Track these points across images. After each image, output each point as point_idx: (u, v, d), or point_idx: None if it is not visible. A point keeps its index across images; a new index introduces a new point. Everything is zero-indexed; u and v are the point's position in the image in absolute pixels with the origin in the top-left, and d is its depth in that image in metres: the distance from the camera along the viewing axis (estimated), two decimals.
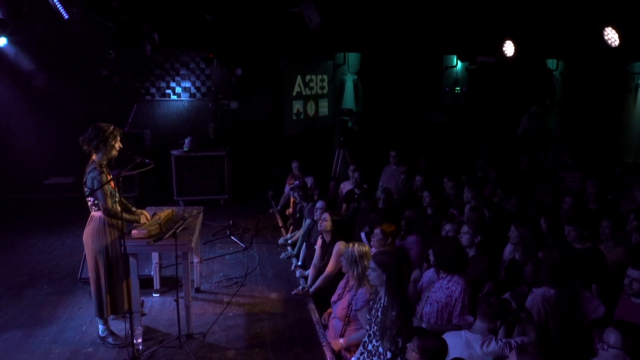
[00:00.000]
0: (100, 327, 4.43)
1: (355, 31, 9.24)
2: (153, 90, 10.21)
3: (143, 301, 4.85)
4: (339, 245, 5.12)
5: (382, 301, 3.60)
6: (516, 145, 9.94)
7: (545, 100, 10.72)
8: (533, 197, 6.90)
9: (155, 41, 7.39)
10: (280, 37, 9.01)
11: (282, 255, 6.61)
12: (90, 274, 4.35)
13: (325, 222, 5.32)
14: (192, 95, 10.38)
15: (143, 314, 4.93)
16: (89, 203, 4.29)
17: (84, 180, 4.22)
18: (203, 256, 6.53)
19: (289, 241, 7.01)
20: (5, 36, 6.60)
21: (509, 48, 7.11)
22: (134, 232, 4.25)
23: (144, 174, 9.08)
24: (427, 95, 10.90)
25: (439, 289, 4.06)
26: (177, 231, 4.19)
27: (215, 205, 8.61)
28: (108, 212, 4.14)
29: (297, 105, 10.03)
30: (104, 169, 4.22)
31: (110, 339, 4.39)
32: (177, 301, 4.23)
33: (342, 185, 8.19)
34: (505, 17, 6.46)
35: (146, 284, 5.36)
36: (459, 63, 10.83)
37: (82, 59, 8.93)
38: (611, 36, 5.35)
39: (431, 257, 4.27)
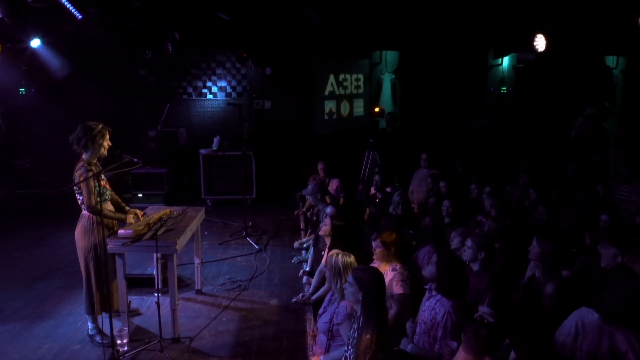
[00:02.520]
0: (90, 325, 4.45)
1: (391, 29, 8.88)
2: (190, 90, 10.37)
3: (130, 301, 4.81)
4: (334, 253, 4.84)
5: (359, 321, 3.31)
6: (568, 150, 9.15)
7: (603, 101, 9.78)
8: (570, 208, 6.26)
9: (176, 40, 7.44)
10: (311, 36, 8.81)
11: (294, 259, 6.42)
12: (82, 272, 4.37)
13: (325, 226, 5.05)
14: (227, 95, 10.43)
15: (138, 314, 4.92)
16: (79, 202, 4.29)
17: (73, 177, 4.22)
18: (215, 257, 6.48)
19: (304, 245, 6.80)
20: (39, 38, 6.91)
21: (540, 42, 6.46)
22: (120, 231, 4.21)
23: (176, 173, 9.37)
24: (470, 95, 10.28)
25: (427, 309, 3.73)
26: (159, 232, 4.08)
27: (241, 205, 8.53)
28: (91, 210, 4.13)
29: (329, 105, 9.79)
30: (92, 167, 4.21)
31: (97, 338, 4.39)
32: (158, 304, 4.13)
33: (371, 189, 7.87)
34: (536, 9, 5.85)
35: (148, 283, 5.35)
36: (505, 61, 10.13)
37: (119, 58, 9.18)
38: None
39: (427, 269, 3.91)
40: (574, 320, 3.37)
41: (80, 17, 5.51)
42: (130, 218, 4.42)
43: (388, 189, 7.31)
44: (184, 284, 5.64)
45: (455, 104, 10.23)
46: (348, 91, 10.10)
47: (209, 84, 10.37)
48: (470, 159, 8.96)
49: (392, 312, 4.24)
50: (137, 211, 4.56)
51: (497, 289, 4.03)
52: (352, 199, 8.35)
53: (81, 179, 4.05)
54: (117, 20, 6.56)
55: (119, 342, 4.22)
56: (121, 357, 4.10)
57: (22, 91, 9.51)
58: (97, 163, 4.34)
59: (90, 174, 4.10)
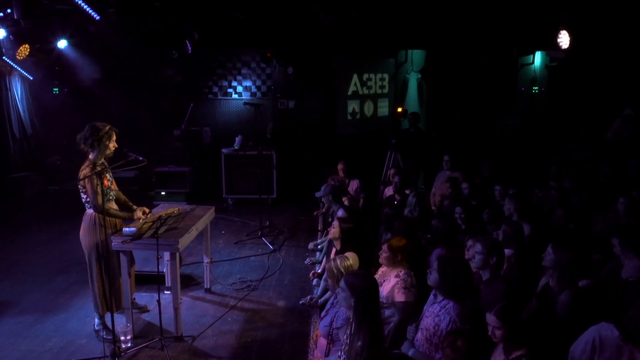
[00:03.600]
0: (96, 320, 4.53)
1: (416, 27, 8.69)
2: (215, 90, 10.48)
3: (134, 298, 4.86)
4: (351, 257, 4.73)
5: (352, 327, 3.22)
6: (601, 152, 8.69)
7: None
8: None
9: (196, 40, 7.50)
10: (334, 35, 8.72)
11: (307, 261, 6.35)
12: (87, 270, 4.45)
13: (333, 229, 4.96)
14: (252, 94, 10.49)
15: (147, 311, 4.97)
16: (83, 200, 4.37)
17: (79, 177, 4.30)
18: (230, 256, 6.50)
19: (319, 246, 6.73)
20: (65, 39, 7.12)
21: (564, 39, 6.12)
22: (124, 229, 4.26)
23: (200, 171, 9.48)
24: (500, 96, 9.93)
25: (430, 315, 3.58)
26: (159, 231, 4.09)
27: (262, 205, 8.52)
28: (96, 209, 4.19)
29: (352, 105, 9.67)
30: (98, 167, 4.27)
31: (103, 333, 4.45)
32: (159, 302, 4.15)
33: (386, 190, 7.72)
34: (560, 4, 5.52)
35: (159, 280, 5.38)
36: (537, 60, 9.72)
37: (145, 59, 9.35)
38: None
39: (430, 277, 3.76)
40: (591, 335, 3.17)
41: (98, 18, 5.66)
42: (139, 214, 4.46)
43: (407, 191, 7.14)
44: (195, 282, 5.68)
45: (483, 104, 9.91)
46: (372, 91, 9.96)
47: (234, 83, 10.45)
48: (498, 161, 8.67)
49: (394, 319, 4.11)
50: (145, 209, 4.60)
51: (509, 299, 3.85)
52: (373, 200, 8.22)
53: (85, 177, 4.12)
54: (138, 21, 6.66)
55: (122, 338, 4.27)
56: (122, 354, 4.14)
57: (55, 91, 9.87)
58: (104, 163, 4.41)
59: (93, 172, 4.16)
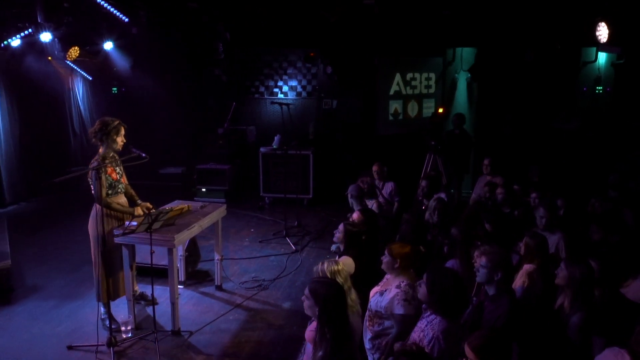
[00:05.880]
0: (102, 309, 4.69)
1: (465, 24, 8.25)
2: (262, 89, 10.60)
3: (136, 291, 4.98)
4: (344, 261, 4.56)
5: (316, 336, 3.07)
6: None
7: None
8: None
9: (228, 40, 7.60)
10: (375, 33, 8.49)
11: None
12: (92, 259, 4.64)
13: (338, 233, 4.81)
14: (298, 94, 10.50)
15: (155, 303, 5.08)
16: (92, 192, 4.55)
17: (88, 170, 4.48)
18: (252, 254, 6.53)
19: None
20: (111, 41, 7.52)
21: (602, 32, 5.45)
22: (127, 222, 4.39)
23: (240, 170, 9.64)
24: (558, 96, 9.15)
25: (417, 330, 3.34)
26: (153, 226, 4.16)
27: (298, 205, 8.44)
28: (99, 201, 4.34)
29: (394, 105, 9.38)
30: (107, 161, 4.43)
31: (107, 322, 4.60)
32: (152, 296, 4.24)
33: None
34: None
35: (152, 274, 5.47)
36: (602, 57, 8.84)
37: (194, 59, 9.66)
38: None
39: (420, 289, 3.51)
40: None
41: (127, 20, 5.90)
42: (139, 210, 4.58)
43: (442, 195, 6.79)
44: (209, 278, 5.75)
45: (539, 106, 9.19)
46: (417, 91, 9.60)
47: (280, 83, 10.51)
48: (550, 167, 8.01)
49: (393, 332, 3.90)
50: (148, 204, 4.72)
51: (512, 319, 3.51)
52: (409, 204, 7.91)
53: (88, 170, 4.29)
54: (171, 23, 6.87)
55: (123, 328, 4.41)
56: (119, 344, 4.26)
57: (114, 90, 10.48)
58: (115, 156, 4.57)
59: (97, 166, 4.31)
